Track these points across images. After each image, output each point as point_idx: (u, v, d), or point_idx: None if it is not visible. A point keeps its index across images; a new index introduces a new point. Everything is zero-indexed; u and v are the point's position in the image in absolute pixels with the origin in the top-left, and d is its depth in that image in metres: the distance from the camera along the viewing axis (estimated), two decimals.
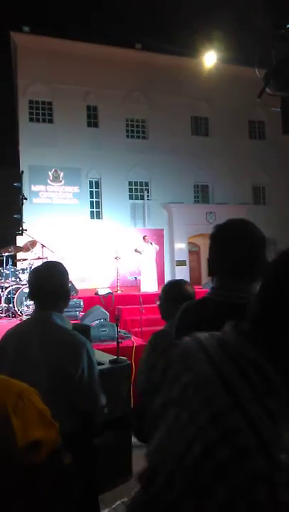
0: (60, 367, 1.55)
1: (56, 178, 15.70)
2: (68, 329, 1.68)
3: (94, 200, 16.60)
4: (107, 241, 12.31)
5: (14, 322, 3.78)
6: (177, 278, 2.80)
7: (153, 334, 1.75)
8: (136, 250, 10.16)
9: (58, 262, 1.77)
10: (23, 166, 15.08)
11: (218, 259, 1.18)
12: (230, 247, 1.15)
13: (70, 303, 4.32)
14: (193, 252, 17.80)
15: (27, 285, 2.26)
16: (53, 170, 15.63)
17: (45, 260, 6.92)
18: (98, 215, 16.49)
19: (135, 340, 4.38)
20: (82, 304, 6.85)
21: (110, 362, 2.93)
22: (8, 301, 7.20)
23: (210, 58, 13.70)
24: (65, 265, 1.76)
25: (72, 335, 1.66)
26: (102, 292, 8.69)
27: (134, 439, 2.59)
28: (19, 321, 2.39)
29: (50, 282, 1.67)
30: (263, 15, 2.68)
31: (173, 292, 1.88)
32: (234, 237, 1.16)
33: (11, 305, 7.12)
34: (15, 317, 6.99)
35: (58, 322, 1.65)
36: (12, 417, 0.81)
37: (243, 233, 1.15)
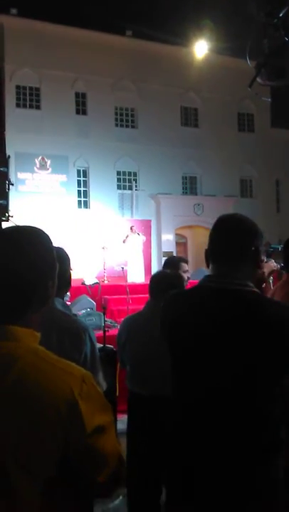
0: (63, 352, 1.55)
1: (43, 166, 15.46)
2: (70, 315, 1.68)
3: (81, 189, 16.44)
4: (95, 231, 12.23)
5: None
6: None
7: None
8: (124, 241, 10.15)
9: (60, 248, 1.71)
10: (9, 153, 14.78)
11: (213, 249, 1.27)
12: (222, 236, 1.26)
13: None
14: (181, 243, 17.86)
15: None
16: (40, 157, 15.38)
17: None
18: (86, 205, 16.35)
19: None
20: (68, 293, 6.83)
21: None
22: None
23: (201, 48, 13.59)
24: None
25: (75, 321, 1.67)
26: (88, 282, 8.65)
27: (119, 426, 2.62)
28: None
29: None
30: (256, 4, 2.66)
31: None
32: (227, 228, 1.27)
33: None
34: None
35: (60, 308, 1.64)
36: (80, 402, 0.79)
37: (234, 224, 1.26)
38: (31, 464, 0.77)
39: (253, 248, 1.21)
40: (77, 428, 0.80)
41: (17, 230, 0.92)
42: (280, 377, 1.13)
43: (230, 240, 1.23)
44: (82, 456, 0.82)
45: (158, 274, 2.34)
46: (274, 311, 1.13)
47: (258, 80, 2.68)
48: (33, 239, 0.89)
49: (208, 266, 1.28)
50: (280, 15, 2.44)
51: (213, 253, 1.26)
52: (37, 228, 0.93)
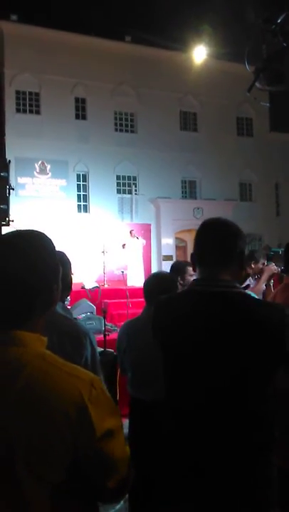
0: (64, 356, 1.55)
1: (43, 171, 15.50)
2: (71, 319, 1.69)
3: (81, 193, 16.46)
4: (94, 235, 12.23)
5: None
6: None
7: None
8: (123, 246, 10.16)
9: (61, 252, 1.72)
10: (9, 158, 14.79)
11: (199, 252, 1.28)
12: (208, 240, 1.28)
13: None
14: (180, 247, 17.87)
15: None
16: (40, 162, 15.42)
17: None
18: (85, 209, 16.38)
19: None
20: (68, 297, 6.80)
21: None
22: None
23: (200, 53, 13.67)
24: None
25: (76, 324, 1.68)
26: (88, 286, 8.64)
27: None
28: None
29: None
30: (254, 10, 2.69)
31: None
32: (212, 231, 1.29)
33: None
34: None
35: (61, 311, 1.64)
36: (89, 406, 0.80)
37: (219, 227, 1.28)
38: (41, 469, 0.77)
39: (238, 250, 1.24)
40: (87, 432, 0.79)
41: (18, 234, 0.92)
42: (272, 377, 1.15)
43: (216, 243, 1.25)
44: (92, 461, 0.82)
45: (150, 280, 2.31)
46: (261, 312, 1.16)
47: (257, 85, 2.70)
48: (34, 243, 0.89)
49: (194, 270, 1.30)
50: (278, 21, 2.47)
51: (200, 257, 1.28)
52: (38, 232, 0.93)
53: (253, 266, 3.77)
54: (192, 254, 1.31)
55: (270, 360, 1.13)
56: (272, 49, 2.56)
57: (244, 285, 1.33)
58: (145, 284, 2.29)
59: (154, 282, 2.23)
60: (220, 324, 1.15)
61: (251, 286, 3.66)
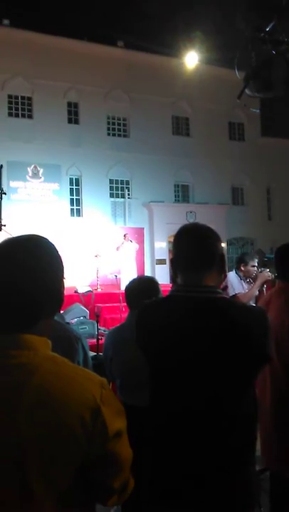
0: None
1: (35, 175, 15.47)
2: (63, 323, 1.70)
3: (74, 197, 16.45)
4: (87, 239, 12.23)
5: None
6: (157, 276, 2.79)
7: None
8: (117, 248, 10.17)
9: None
10: (1, 161, 14.75)
11: (183, 258, 1.27)
12: (189, 245, 1.26)
13: None
14: None
15: None
16: (33, 166, 15.39)
17: None
18: (78, 213, 16.36)
19: None
20: None
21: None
22: None
23: (192, 59, 13.80)
24: None
25: (68, 329, 1.70)
26: (81, 290, 8.63)
27: None
28: None
29: None
30: (245, 18, 2.74)
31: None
32: (192, 237, 1.27)
33: None
34: None
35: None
36: (102, 407, 0.80)
37: (201, 232, 1.27)
38: (53, 473, 0.76)
39: (218, 254, 1.25)
40: (100, 433, 0.80)
41: (17, 242, 0.88)
42: (253, 381, 1.19)
43: (199, 248, 1.24)
44: (102, 461, 0.82)
45: (132, 285, 2.23)
46: (244, 316, 1.17)
47: (247, 91, 2.74)
48: (36, 250, 0.87)
49: (176, 275, 1.28)
50: (267, 29, 2.51)
51: (182, 262, 1.26)
52: (36, 236, 0.90)
53: (242, 268, 3.81)
54: (172, 260, 1.29)
55: (253, 364, 1.15)
56: (262, 56, 2.60)
57: (222, 286, 1.32)
58: (127, 289, 2.21)
59: (136, 287, 2.17)
60: (205, 330, 1.16)
61: (245, 291, 3.69)
